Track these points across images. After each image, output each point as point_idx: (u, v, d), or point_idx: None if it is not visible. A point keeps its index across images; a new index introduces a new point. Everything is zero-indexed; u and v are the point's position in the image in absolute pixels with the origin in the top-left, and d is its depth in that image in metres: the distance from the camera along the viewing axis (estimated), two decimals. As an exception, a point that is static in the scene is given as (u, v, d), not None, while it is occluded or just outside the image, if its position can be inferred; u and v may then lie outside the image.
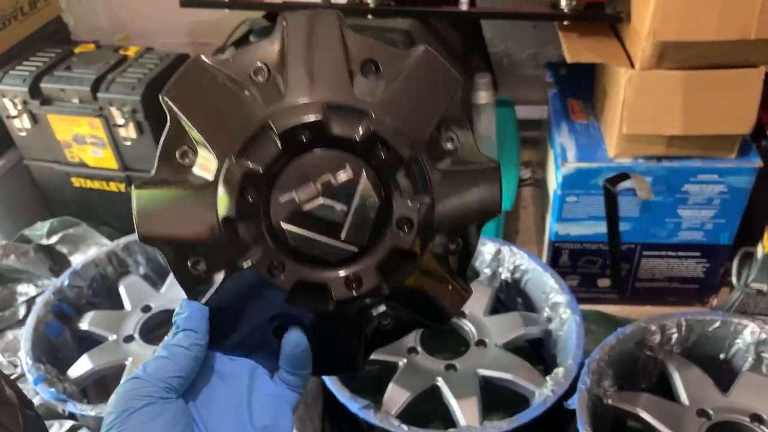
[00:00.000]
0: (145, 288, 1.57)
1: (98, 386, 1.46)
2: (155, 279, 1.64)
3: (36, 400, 1.27)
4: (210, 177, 0.47)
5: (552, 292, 1.42)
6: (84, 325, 1.48)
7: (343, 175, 0.46)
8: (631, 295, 1.70)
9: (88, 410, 1.24)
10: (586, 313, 1.50)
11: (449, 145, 0.51)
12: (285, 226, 0.47)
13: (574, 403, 1.18)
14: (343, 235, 0.47)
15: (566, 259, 1.65)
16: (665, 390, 1.28)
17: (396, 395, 1.30)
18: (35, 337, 1.39)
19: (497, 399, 1.39)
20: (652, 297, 1.70)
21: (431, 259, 0.50)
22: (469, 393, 1.28)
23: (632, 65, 1.33)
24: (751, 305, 1.51)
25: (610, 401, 1.23)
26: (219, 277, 0.48)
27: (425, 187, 0.48)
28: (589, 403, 1.18)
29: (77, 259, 1.74)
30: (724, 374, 1.31)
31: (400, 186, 0.47)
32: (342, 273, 0.48)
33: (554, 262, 1.65)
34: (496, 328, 1.42)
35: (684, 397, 1.23)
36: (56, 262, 1.79)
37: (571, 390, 1.21)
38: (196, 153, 0.48)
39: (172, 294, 1.54)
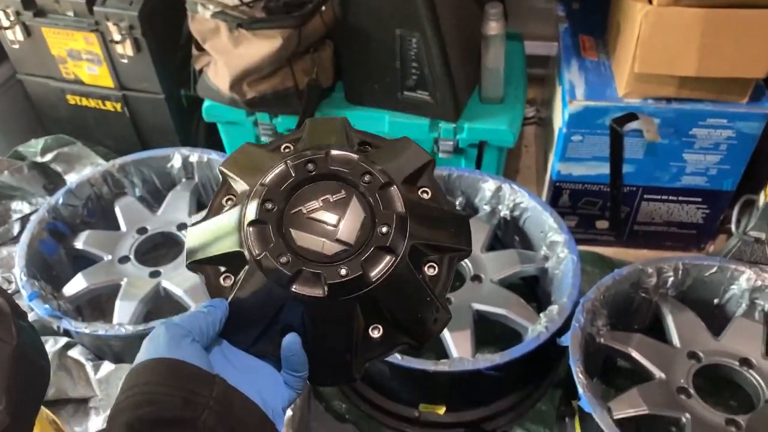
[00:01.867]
0: (141, 209, 1.55)
1: (92, 305, 1.46)
2: (151, 201, 1.62)
3: (30, 317, 1.27)
4: (243, 203, 0.63)
5: (550, 231, 1.41)
6: (79, 244, 1.47)
7: (339, 195, 0.63)
8: (628, 238, 1.70)
9: (83, 327, 1.25)
10: (583, 254, 1.50)
11: (424, 195, 0.67)
12: (293, 231, 0.61)
13: (567, 340, 1.19)
14: (336, 237, 0.61)
15: (566, 200, 1.64)
16: (658, 332, 1.29)
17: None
18: (29, 254, 1.38)
19: (490, 334, 1.40)
20: (650, 241, 1.70)
21: (412, 271, 0.63)
22: (463, 326, 1.29)
23: (650, 1, 1.29)
24: (748, 253, 1.51)
25: (602, 340, 1.24)
26: (239, 279, 0.62)
27: (398, 203, 0.63)
28: (582, 342, 1.19)
29: (72, 178, 1.71)
30: (717, 319, 1.32)
31: (380, 202, 0.63)
32: (334, 266, 0.60)
33: (554, 202, 1.63)
34: (493, 265, 1.42)
35: (676, 339, 1.24)
36: (51, 180, 1.77)
37: (564, 327, 1.22)
38: (235, 195, 0.66)
39: (168, 216, 1.53)
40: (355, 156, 0.64)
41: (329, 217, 0.62)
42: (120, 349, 1.32)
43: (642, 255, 1.69)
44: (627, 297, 1.32)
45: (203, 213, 0.70)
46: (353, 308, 0.62)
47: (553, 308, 1.26)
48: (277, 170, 0.63)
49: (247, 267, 0.61)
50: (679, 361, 1.20)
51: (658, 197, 1.59)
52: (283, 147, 0.69)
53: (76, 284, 1.38)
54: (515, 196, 1.49)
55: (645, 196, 1.59)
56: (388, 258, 0.61)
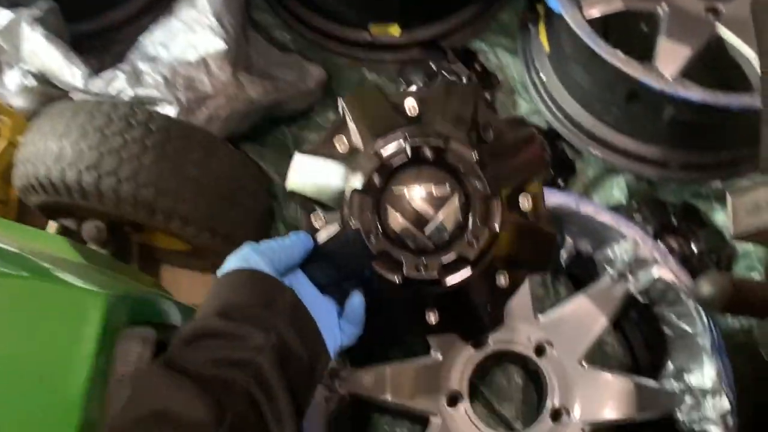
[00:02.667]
0: None
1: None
2: None
3: None
4: (354, 158, 0.69)
5: None
6: None
7: (442, 190, 0.66)
8: None
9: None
10: None
11: (526, 205, 0.69)
12: (390, 209, 0.66)
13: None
14: (426, 231, 0.66)
15: None
16: None
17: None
18: None
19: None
20: None
21: (484, 282, 0.69)
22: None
23: None
24: None
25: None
26: (332, 228, 0.68)
27: (496, 221, 0.66)
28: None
29: None
30: None
31: (479, 213, 0.66)
32: (416, 258, 0.66)
33: None
34: None
35: None
36: None
37: None
38: (349, 142, 0.70)
39: None
40: (472, 157, 0.66)
41: (427, 210, 0.66)
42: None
43: None
44: None
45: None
46: (419, 298, 0.69)
47: None
48: (394, 143, 0.66)
49: (340, 225, 0.67)
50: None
51: None
52: (408, 105, 0.70)
53: None
54: None
55: None
56: (466, 270, 0.66)
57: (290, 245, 0.63)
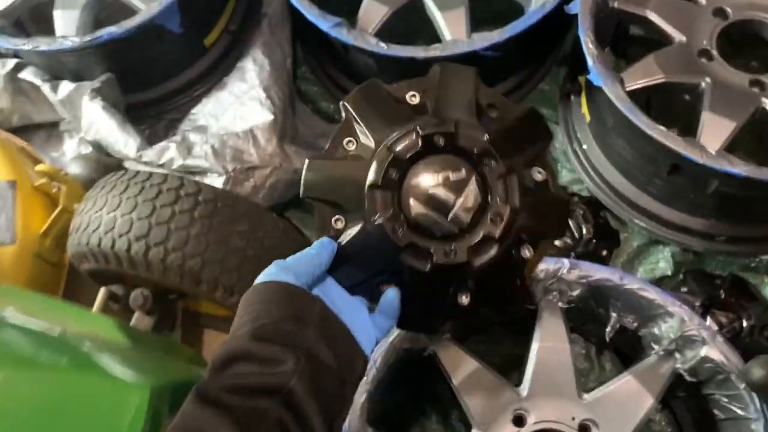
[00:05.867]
0: None
1: (36, 18, 1.28)
2: None
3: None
4: (366, 157, 0.68)
5: None
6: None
7: (459, 174, 0.66)
8: None
9: (22, 44, 1.09)
10: None
11: (538, 176, 0.70)
12: (410, 200, 0.66)
13: (576, 7, 1.02)
14: (449, 216, 0.66)
15: None
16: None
17: (373, 11, 1.14)
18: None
19: (489, 10, 1.23)
20: None
21: (510, 256, 0.69)
22: (456, 3, 1.12)
23: None
24: None
25: (616, 4, 1.07)
26: (353, 230, 0.67)
27: (516, 197, 0.67)
28: (593, 7, 1.03)
29: None
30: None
31: (497, 192, 0.67)
32: (443, 245, 0.66)
33: None
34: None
35: (701, -5, 1.07)
36: None
37: (572, -7, 1.05)
38: (358, 142, 0.70)
39: None
40: (483, 138, 0.67)
41: (446, 195, 0.66)
42: (75, 66, 1.19)
43: None
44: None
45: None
46: (450, 282, 0.68)
47: (560, -30, 1.06)
48: (405, 137, 0.67)
49: (362, 223, 0.66)
50: (703, 19, 1.04)
51: None
52: (409, 96, 0.72)
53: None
54: None
55: None
56: (493, 248, 0.67)
57: (315, 254, 0.64)
